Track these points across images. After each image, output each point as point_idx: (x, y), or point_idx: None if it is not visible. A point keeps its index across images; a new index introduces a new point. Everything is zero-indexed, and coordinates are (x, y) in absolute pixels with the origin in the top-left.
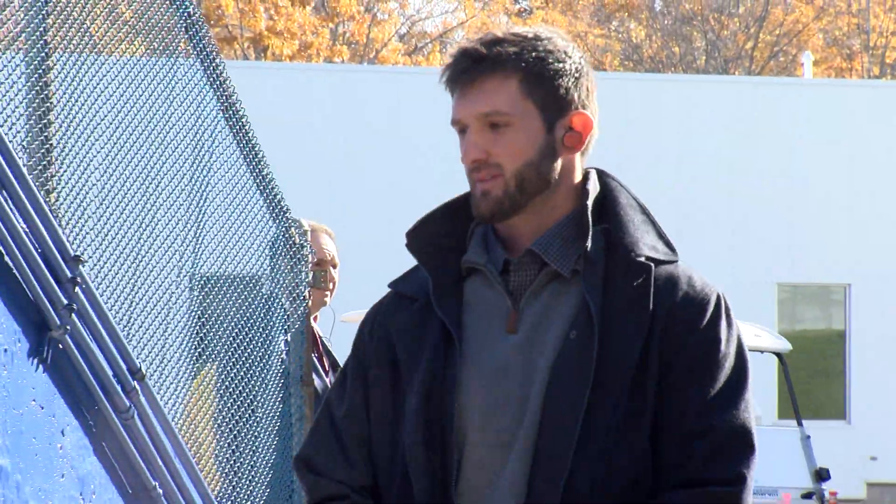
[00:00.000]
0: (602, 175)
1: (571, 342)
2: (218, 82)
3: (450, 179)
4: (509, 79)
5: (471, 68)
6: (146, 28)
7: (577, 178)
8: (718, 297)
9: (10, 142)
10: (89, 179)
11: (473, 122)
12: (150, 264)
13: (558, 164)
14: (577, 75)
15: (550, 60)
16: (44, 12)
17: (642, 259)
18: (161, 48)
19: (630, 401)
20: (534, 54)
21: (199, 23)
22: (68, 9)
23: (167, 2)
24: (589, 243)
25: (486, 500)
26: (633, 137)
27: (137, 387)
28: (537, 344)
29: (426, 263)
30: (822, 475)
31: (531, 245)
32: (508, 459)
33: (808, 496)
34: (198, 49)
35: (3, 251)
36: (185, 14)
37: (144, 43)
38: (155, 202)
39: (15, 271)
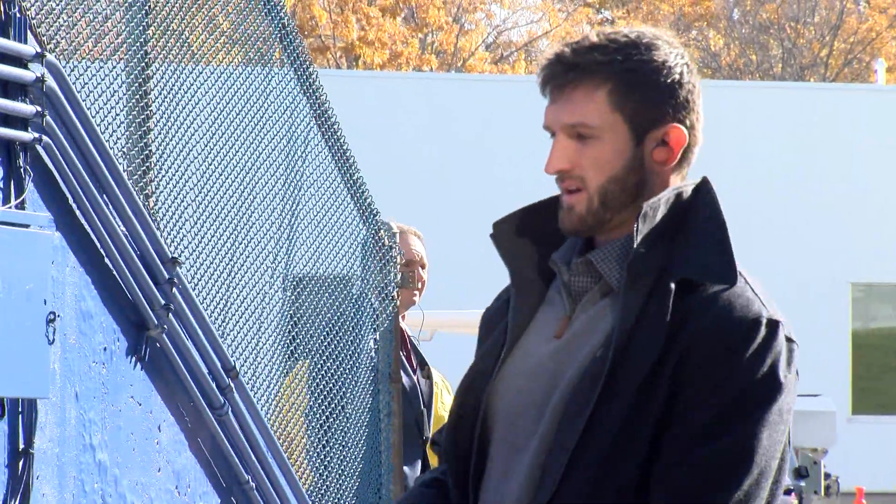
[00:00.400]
0: (701, 187)
1: (596, 361)
2: (311, 90)
3: (536, 185)
4: (599, 89)
5: (560, 75)
6: (242, 38)
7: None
8: (757, 323)
9: (111, 148)
10: (187, 184)
11: (560, 130)
12: (245, 265)
13: (647, 178)
14: (674, 86)
15: (644, 70)
16: (144, 23)
17: (672, 281)
18: (257, 58)
19: (626, 428)
20: (626, 64)
21: (294, 33)
22: (168, 20)
23: (263, 13)
24: (630, 258)
25: (498, 499)
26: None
27: (231, 384)
28: (571, 354)
29: (506, 257)
30: (801, 473)
31: (590, 254)
32: (519, 464)
33: (787, 492)
34: (292, 58)
35: (103, 253)
36: (280, 25)
37: (241, 53)
38: (250, 206)
39: (115, 272)
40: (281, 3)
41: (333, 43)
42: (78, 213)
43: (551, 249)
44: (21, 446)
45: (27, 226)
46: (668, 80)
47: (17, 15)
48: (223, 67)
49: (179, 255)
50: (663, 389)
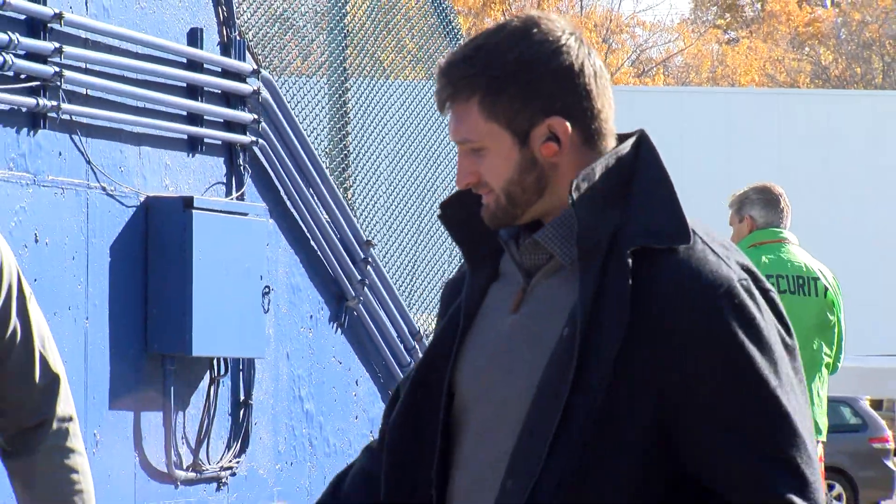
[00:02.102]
0: (641, 143)
1: (563, 340)
2: None
3: (681, 193)
4: (470, 102)
5: (440, 93)
6: (425, 57)
7: (581, 168)
8: (732, 289)
9: (315, 149)
10: (379, 178)
11: (458, 146)
12: (428, 246)
13: (546, 172)
14: (543, 78)
15: (508, 73)
16: (343, 45)
17: (628, 250)
18: (437, 73)
19: (608, 411)
20: (490, 70)
21: None
22: (363, 42)
23: (443, 35)
24: (577, 234)
25: (467, 485)
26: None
27: (416, 346)
28: (531, 333)
29: (456, 236)
30: None
31: (536, 235)
32: (487, 449)
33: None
34: None
35: (309, 237)
36: (457, 45)
37: (424, 69)
38: (432, 196)
39: (319, 253)
40: (458, 27)
41: None
42: (288, 203)
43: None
44: (242, 398)
45: (246, 214)
46: (535, 75)
47: (237, 38)
48: (409, 82)
49: (372, 238)
50: (647, 372)
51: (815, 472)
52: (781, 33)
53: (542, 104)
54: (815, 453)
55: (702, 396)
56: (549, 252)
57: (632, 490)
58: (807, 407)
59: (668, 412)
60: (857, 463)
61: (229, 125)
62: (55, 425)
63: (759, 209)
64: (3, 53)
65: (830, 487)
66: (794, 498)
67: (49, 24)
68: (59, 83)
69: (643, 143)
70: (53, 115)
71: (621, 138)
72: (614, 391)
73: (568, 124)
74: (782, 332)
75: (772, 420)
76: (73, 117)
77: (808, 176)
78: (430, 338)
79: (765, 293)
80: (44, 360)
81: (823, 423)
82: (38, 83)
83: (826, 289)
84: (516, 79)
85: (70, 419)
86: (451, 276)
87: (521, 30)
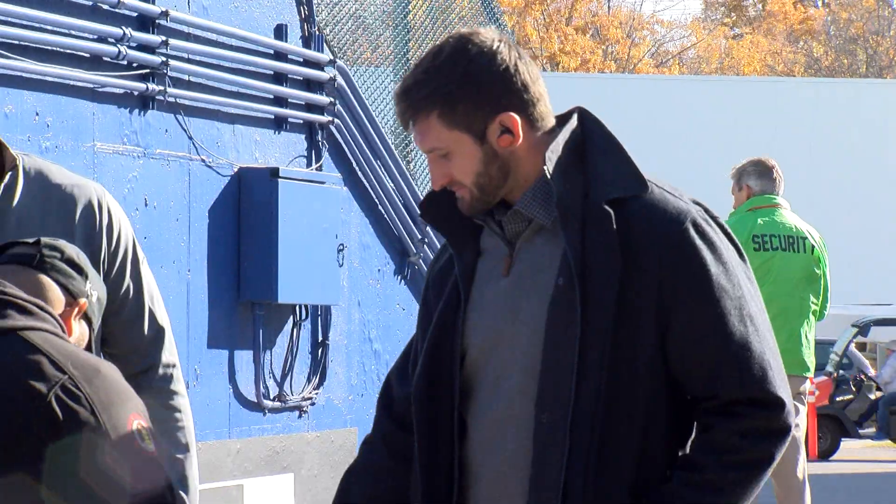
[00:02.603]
0: (582, 117)
1: (560, 289)
2: None
3: (693, 166)
4: (429, 118)
5: (401, 114)
6: None
7: (539, 147)
8: (693, 220)
9: (382, 127)
10: None
11: (426, 154)
12: None
13: (508, 160)
14: (484, 85)
15: (456, 88)
16: (407, 39)
17: (606, 206)
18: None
19: (617, 340)
20: (442, 89)
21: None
22: (423, 36)
23: None
24: (556, 197)
25: (484, 432)
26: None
27: None
28: (525, 287)
29: (440, 227)
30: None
31: (516, 206)
32: (502, 392)
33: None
34: None
35: (377, 202)
36: None
37: None
38: None
39: (385, 216)
40: (504, 24)
41: (541, 53)
42: (359, 173)
43: None
44: (320, 339)
45: (324, 183)
46: (481, 83)
47: (317, 33)
48: None
49: None
50: (646, 297)
51: (779, 361)
52: (779, 30)
53: (491, 105)
54: (774, 342)
55: (684, 313)
56: (527, 218)
57: (652, 399)
58: (763, 307)
59: (663, 327)
60: None
61: (309, 107)
62: (160, 371)
63: (754, 179)
64: (118, 45)
65: None
66: (769, 387)
67: (157, 20)
68: (165, 71)
69: (586, 117)
70: (160, 98)
71: (559, 119)
72: (619, 319)
73: (515, 116)
74: (734, 248)
75: (743, 320)
76: (178, 100)
77: (811, 156)
78: (419, 318)
79: (714, 219)
80: (152, 314)
81: (811, 362)
82: (147, 71)
83: (813, 247)
84: (466, 90)
85: (174, 365)
86: (434, 265)
87: (458, 48)
